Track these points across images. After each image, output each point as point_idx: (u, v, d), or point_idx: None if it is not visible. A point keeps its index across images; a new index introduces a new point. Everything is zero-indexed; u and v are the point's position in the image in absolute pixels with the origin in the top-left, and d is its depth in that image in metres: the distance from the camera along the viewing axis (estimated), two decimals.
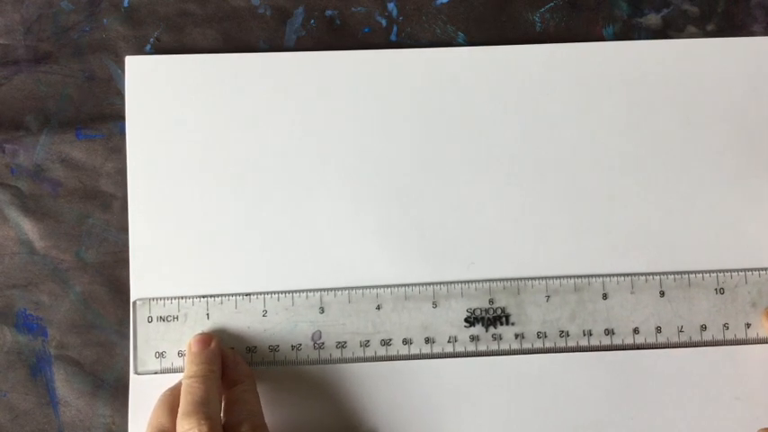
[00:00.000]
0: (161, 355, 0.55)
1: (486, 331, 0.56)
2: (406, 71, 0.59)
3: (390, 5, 0.59)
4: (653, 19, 0.60)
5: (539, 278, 0.56)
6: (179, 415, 0.49)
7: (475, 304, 0.56)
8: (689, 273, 0.57)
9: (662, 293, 0.56)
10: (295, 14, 0.59)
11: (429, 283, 0.56)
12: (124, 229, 0.57)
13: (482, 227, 0.57)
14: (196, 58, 0.58)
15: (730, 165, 0.58)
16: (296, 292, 0.56)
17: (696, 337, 0.56)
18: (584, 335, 0.56)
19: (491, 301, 0.56)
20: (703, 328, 0.56)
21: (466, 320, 0.56)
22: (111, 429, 0.56)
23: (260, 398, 0.54)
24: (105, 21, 0.59)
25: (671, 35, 0.59)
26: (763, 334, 0.56)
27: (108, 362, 0.56)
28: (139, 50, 0.59)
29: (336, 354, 0.56)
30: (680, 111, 0.58)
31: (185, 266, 0.57)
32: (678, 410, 0.56)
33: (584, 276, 0.57)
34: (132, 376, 0.55)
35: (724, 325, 0.56)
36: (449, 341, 0.56)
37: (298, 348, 0.56)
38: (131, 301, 0.56)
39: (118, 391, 0.56)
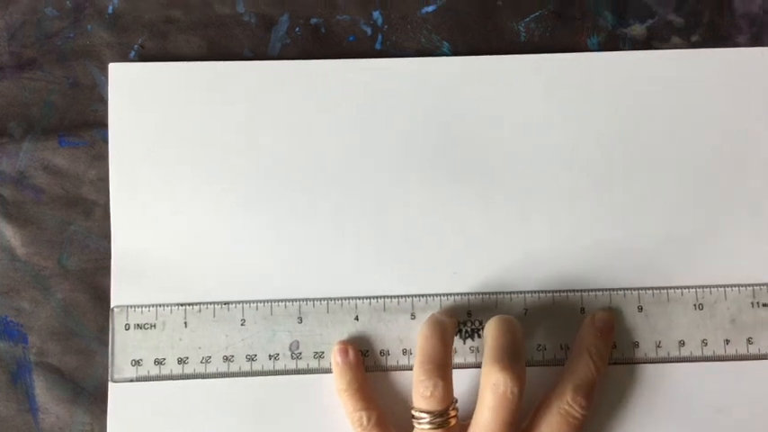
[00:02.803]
0: (137, 362, 0.55)
1: (464, 344, 0.56)
2: (391, 80, 0.58)
3: (375, 14, 0.59)
4: (638, 29, 0.59)
5: (517, 292, 0.56)
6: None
7: None
8: (667, 288, 0.56)
9: (640, 308, 0.56)
10: (280, 22, 0.59)
11: (408, 296, 0.56)
12: (106, 236, 0.57)
13: (465, 237, 0.57)
14: (180, 66, 0.58)
15: (713, 179, 0.57)
16: (274, 301, 0.56)
17: (674, 353, 0.56)
18: (562, 349, 0.56)
19: (469, 314, 0.56)
20: (681, 343, 0.56)
21: None
22: None
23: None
24: (89, 27, 0.59)
25: (655, 46, 0.59)
26: (742, 350, 0.56)
27: (88, 369, 0.57)
28: (124, 57, 0.59)
29: (314, 364, 0.56)
30: (664, 122, 0.58)
31: (167, 274, 0.57)
32: (658, 424, 0.56)
33: (563, 291, 0.56)
34: (111, 384, 0.56)
35: (702, 341, 0.56)
36: None
37: (275, 358, 0.56)
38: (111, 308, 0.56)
39: (97, 399, 0.56)
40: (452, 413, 0.51)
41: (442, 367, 0.51)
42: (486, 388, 0.50)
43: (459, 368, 0.56)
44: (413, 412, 0.52)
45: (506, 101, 0.58)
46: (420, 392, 0.51)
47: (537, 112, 0.58)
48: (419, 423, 0.51)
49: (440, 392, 0.51)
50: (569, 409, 0.52)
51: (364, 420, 0.53)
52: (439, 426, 0.51)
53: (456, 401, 0.52)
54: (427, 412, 0.51)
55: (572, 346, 0.55)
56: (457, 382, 0.54)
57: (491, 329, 0.53)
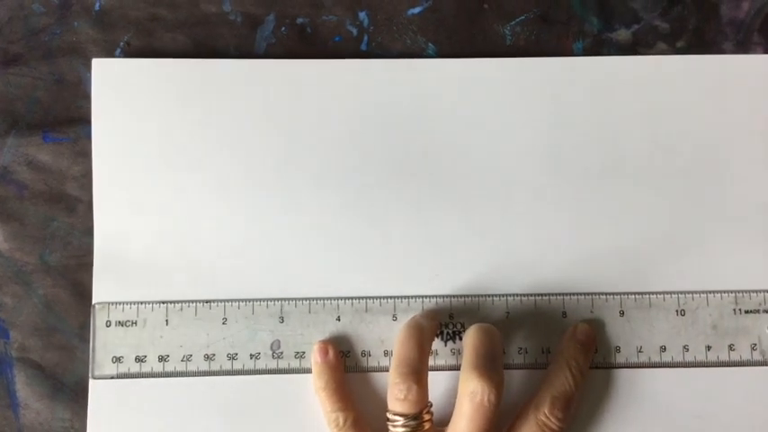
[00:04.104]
0: (118, 359, 0.55)
1: (445, 346, 0.56)
2: (376, 81, 0.58)
3: (362, 15, 0.59)
4: (623, 34, 0.59)
5: (499, 295, 0.56)
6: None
7: None
8: (649, 293, 0.56)
9: (621, 313, 0.56)
10: (266, 21, 0.59)
11: (390, 297, 0.56)
12: (89, 232, 0.57)
13: (448, 240, 0.57)
14: (164, 62, 0.58)
15: (697, 185, 0.57)
16: (256, 300, 0.56)
17: (655, 358, 0.56)
18: (543, 352, 0.56)
19: (451, 316, 0.56)
20: (662, 349, 0.56)
21: None
22: None
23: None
24: (76, 24, 0.59)
25: (641, 51, 0.59)
26: (723, 357, 0.56)
27: (68, 365, 0.57)
28: (110, 54, 0.59)
29: (295, 363, 0.56)
30: (647, 128, 0.58)
31: (149, 272, 0.57)
32: (637, 429, 0.56)
33: (545, 295, 0.56)
34: (91, 381, 0.55)
35: (684, 347, 0.56)
36: None
37: (257, 357, 0.56)
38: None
39: (77, 395, 0.56)
40: (426, 417, 0.51)
41: (417, 371, 0.51)
42: (464, 396, 0.50)
43: (439, 370, 0.56)
44: (387, 415, 0.52)
45: (491, 104, 0.58)
46: (394, 395, 0.51)
47: (521, 115, 0.58)
48: (393, 426, 0.51)
49: (414, 396, 0.51)
50: (546, 421, 0.52)
51: (340, 421, 0.53)
52: (413, 429, 0.51)
53: (431, 405, 0.52)
54: (401, 415, 0.51)
55: (552, 356, 0.55)
56: (437, 384, 0.54)
57: (470, 337, 0.53)
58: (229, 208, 0.57)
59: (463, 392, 0.50)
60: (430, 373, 0.53)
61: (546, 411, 0.52)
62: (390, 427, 0.52)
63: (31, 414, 0.56)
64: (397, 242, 0.57)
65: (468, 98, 0.58)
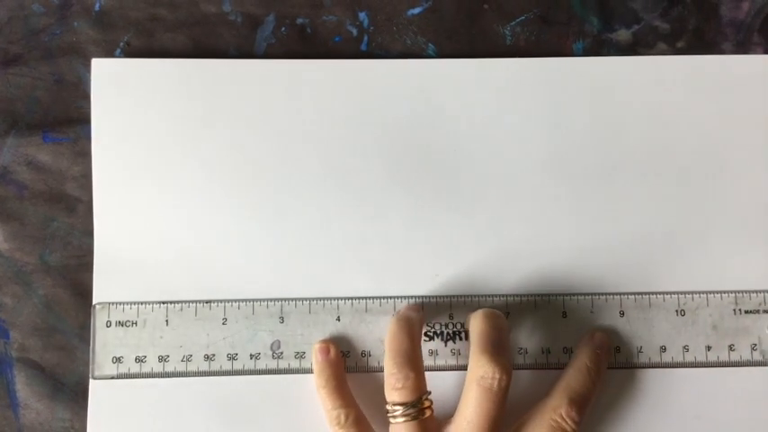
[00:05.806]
0: (118, 360, 0.55)
1: (445, 346, 0.56)
2: (376, 81, 0.58)
3: (362, 15, 0.59)
4: (623, 35, 0.59)
5: (499, 295, 0.56)
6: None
7: (434, 319, 0.56)
8: (649, 293, 0.56)
9: (621, 313, 0.56)
10: (266, 22, 0.59)
11: (390, 297, 0.56)
12: (89, 232, 0.57)
13: (447, 239, 0.57)
14: (163, 62, 0.58)
15: (697, 185, 0.57)
16: (256, 300, 0.56)
17: (655, 359, 0.56)
18: (543, 352, 0.56)
19: (451, 316, 0.56)
20: (663, 349, 0.56)
21: (425, 335, 0.56)
22: None
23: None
24: (76, 24, 0.59)
25: (641, 51, 0.59)
26: (723, 357, 0.56)
27: (69, 366, 0.57)
28: (109, 54, 0.59)
29: (295, 364, 0.56)
30: (647, 128, 0.58)
31: (149, 272, 0.56)
32: (637, 428, 0.56)
33: (545, 294, 0.56)
34: (91, 381, 0.55)
35: (684, 347, 0.56)
36: None
37: (257, 357, 0.56)
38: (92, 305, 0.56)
39: (77, 395, 0.56)
40: (426, 403, 0.51)
41: (412, 359, 0.51)
42: (472, 381, 0.50)
43: (439, 370, 0.56)
44: (387, 407, 0.52)
45: (491, 104, 0.58)
46: (392, 385, 0.51)
47: (521, 115, 0.58)
48: (394, 417, 0.51)
49: (411, 383, 0.51)
50: (561, 423, 0.52)
51: (342, 418, 0.53)
52: (414, 417, 0.51)
53: (429, 393, 0.52)
54: (401, 404, 0.51)
55: (570, 360, 0.55)
56: (438, 384, 0.54)
57: (478, 322, 0.53)
58: (229, 208, 0.57)
59: (472, 378, 0.50)
60: (430, 373, 0.53)
61: (563, 413, 0.52)
62: (391, 420, 0.51)
63: (31, 414, 0.56)
64: (397, 242, 0.57)
65: (468, 98, 0.58)
